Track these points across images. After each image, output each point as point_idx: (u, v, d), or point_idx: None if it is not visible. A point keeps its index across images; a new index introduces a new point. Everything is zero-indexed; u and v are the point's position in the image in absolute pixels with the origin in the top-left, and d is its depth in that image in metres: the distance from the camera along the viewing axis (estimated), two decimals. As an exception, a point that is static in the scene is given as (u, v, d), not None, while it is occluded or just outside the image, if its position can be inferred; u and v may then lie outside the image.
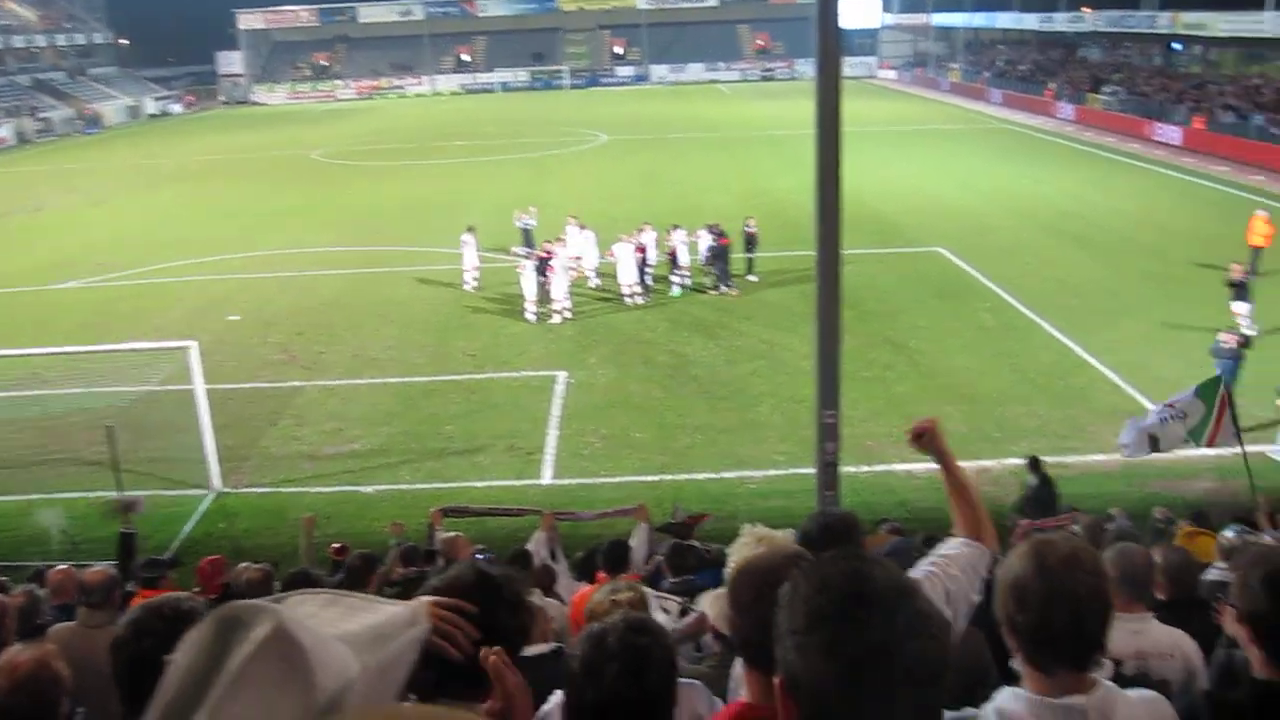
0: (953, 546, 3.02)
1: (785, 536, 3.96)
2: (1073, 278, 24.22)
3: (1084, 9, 66.17)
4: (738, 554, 4.19)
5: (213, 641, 1.16)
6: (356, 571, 7.47)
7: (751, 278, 24.81)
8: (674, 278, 24.24)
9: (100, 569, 6.16)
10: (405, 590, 6.83)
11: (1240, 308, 19.58)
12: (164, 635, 2.61)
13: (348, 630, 1.29)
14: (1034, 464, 12.85)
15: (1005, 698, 2.33)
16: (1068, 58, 70.14)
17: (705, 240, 24.22)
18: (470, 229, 25.50)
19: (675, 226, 24.59)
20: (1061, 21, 68.22)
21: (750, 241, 25.01)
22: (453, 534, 9.17)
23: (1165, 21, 54.53)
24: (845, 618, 1.48)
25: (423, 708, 1.39)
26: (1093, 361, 18.81)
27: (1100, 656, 2.34)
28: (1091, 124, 54.12)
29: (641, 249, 23.76)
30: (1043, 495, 12.42)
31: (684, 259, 24.23)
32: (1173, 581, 5.61)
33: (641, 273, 23.75)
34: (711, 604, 3.61)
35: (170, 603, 2.81)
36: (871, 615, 1.48)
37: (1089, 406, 16.84)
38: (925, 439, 3.41)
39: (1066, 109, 57.98)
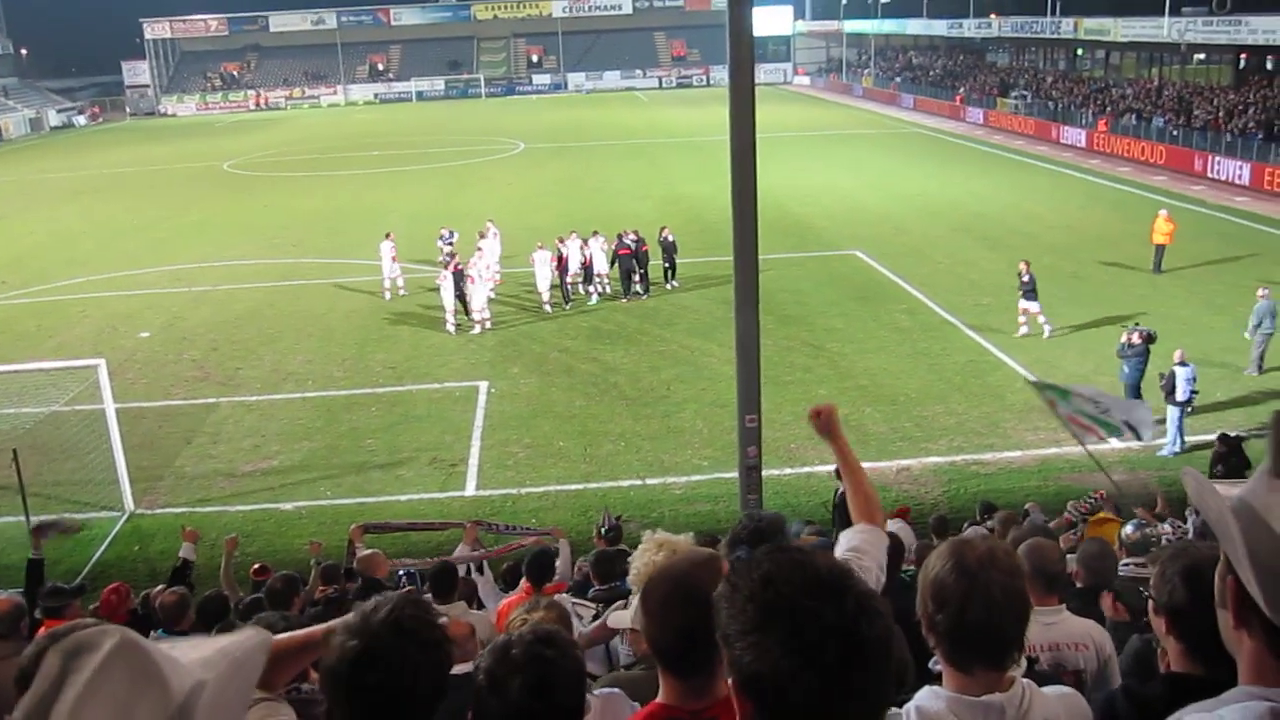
0: (854, 536, 3.07)
1: (686, 541, 3.98)
2: (985, 278, 24.73)
3: (992, 15, 67.81)
4: (639, 560, 4.20)
5: (60, 665, 1.17)
6: (278, 595, 7.31)
7: (672, 284, 24.89)
8: (591, 286, 24.26)
9: (5, 597, 5.95)
10: (327, 611, 6.71)
11: (1030, 305, 20.36)
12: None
13: (194, 656, 1.30)
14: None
15: (924, 696, 2.36)
16: (977, 63, 71.76)
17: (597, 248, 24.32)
18: (388, 235, 25.28)
19: (594, 234, 24.61)
20: (970, 27, 69.82)
21: (668, 249, 25.05)
22: (370, 551, 9.04)
23: (1069, 27, 56.10)
24: (799, 608, 1.50)
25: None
26: (1006, 360, 19.21)
27: (1018, 655, 2.38)
28: (1001, 127, 55.44)
29: (561, 258, 23.76)
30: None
31: (601, 267, 24.26)
32: (1090, 570, 5.78)
33: (564, 281, 23.76)
34: (635, 614, 3.60)
35: (78, 629, 2.72)
36: (823, 601, 1.50)
37: (1004, 404, 17.20)
38: (822, 419, 3.50)
39: (976, 113, 59.30)
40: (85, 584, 9.82)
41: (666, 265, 25.00)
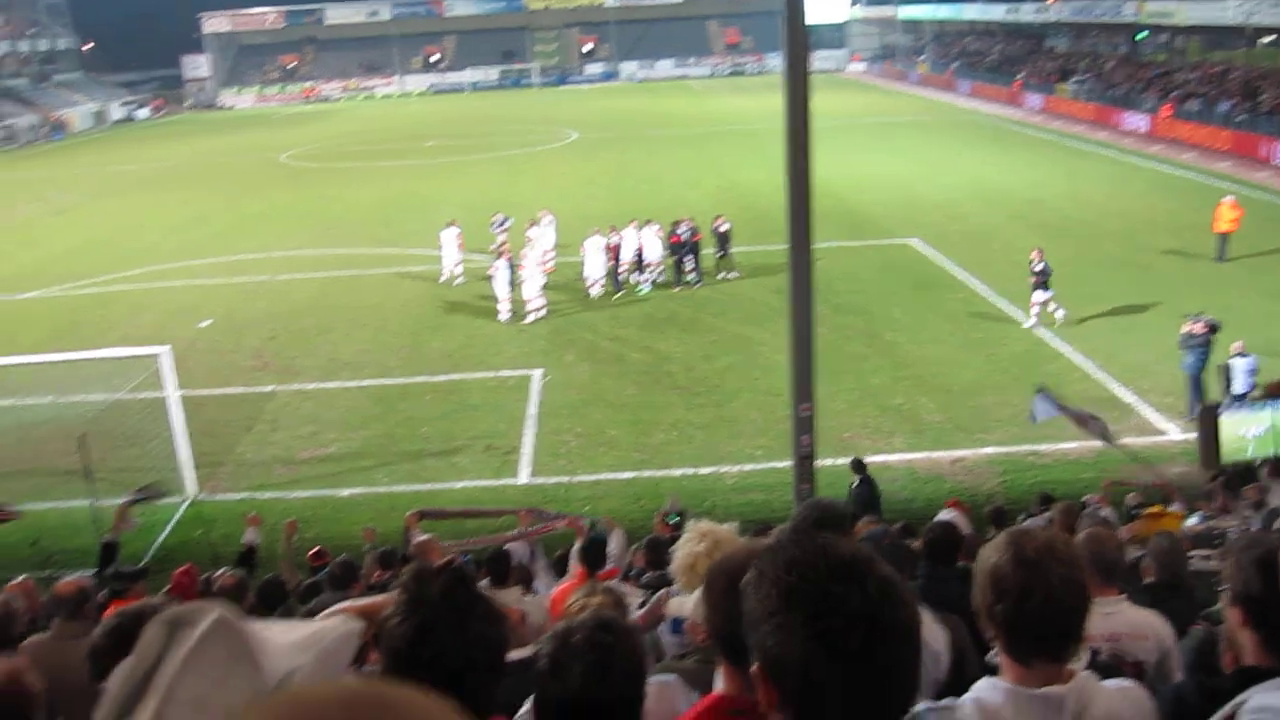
0: None
1: (729, 530, 3.98)
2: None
3: (1049, -1, 66.73)
4: (682, 550, 4.21)
5: (159, 637, 1.19)
6: (338, 579, 7.42)
7: (731, 275, 24.73)
8: (644, 275, 24.24)
9: (72, 580, 6.10)
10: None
11: (1038, 295, 20.11)
12: None
13: (286, 639, 1.32)
14: (857, 465, 12.87)
15: (983, 688, 2.34)
16: (1035, 48, 70.61)
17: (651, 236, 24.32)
18: (451, 223, 25.53)
19: (648, 222, 24.61)
20: (1028, 12, 68.68)
21: (722, 239, 24.87)
22: (425, 537, 9.12)
23: (1131, 10, 54.98)
24: (821, 591, 1.51)
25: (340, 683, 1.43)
26: (1064, 350, 18.95)
27: (1079, 647, 2.36)
28: (1059, 113, 54.55)
29: (613, 247, 23.80)
30: (864, 495, 12.42)
31: (654, 255, 24.25)
32: (1161, 565, 5.69)
33: (616, 270, 23.81)
34: (696, 606, 3.61)
35: (148, 609, 2.79)
36: (845, 585, 1.50)
37: (1062, 395, 16.94)
38: None
39: (1034, 99, 58.39)
40: (149, 567, 10.01)
41: (720, 255, 24.86)
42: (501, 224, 27.16)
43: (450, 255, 25.28)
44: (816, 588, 1.51)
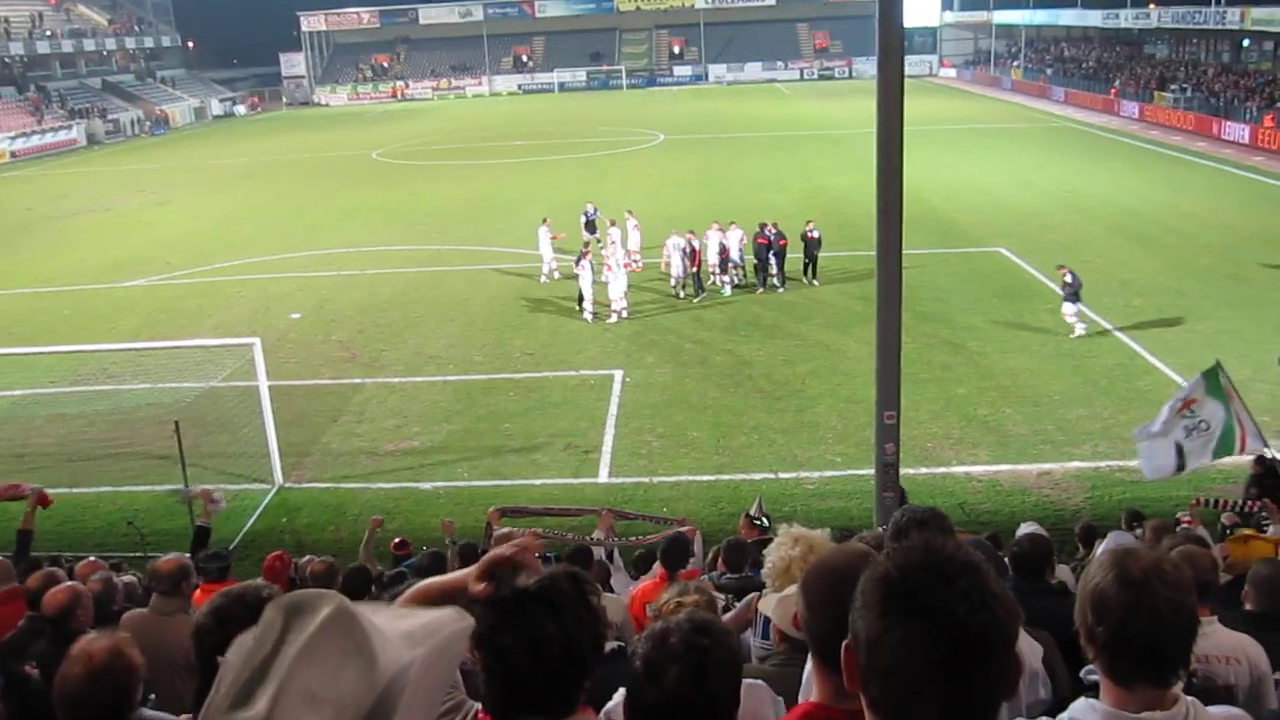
0: None
1: (822, 536, 3.95)
2: (1137, 278, 23.80)
3: (1150, 4, 64.96)
4: (775, 553, 4.19)
5: (279, 623, 1.21)
6: (425, 571, 7.55)
7: (812, 281, 24.49)
8: (726, 277, 24.18)
9: (173, 557, 6.29)
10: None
11: (1066, 308, 20.00)
12: (246, 622, 2.68)
13: (399, 628, 1.33)
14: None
15: (1080, 709, 2.29)
16: (1133, 55, 68.88)
17: (734, 239, 24.20)
18: (545, 220, 25.73)
19: (731, 224, 24.55)
20: (1127, 18, 66.99)
21: (810, 245, 24.41)
22: (506, 530, 9.23)
23: (1234, 17, 53.33)
24: (902, 577, 1.53)
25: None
26: (1158, 364, 18.46)
27: (1184, 672, 2.29)
28: (1157, 122, 53.15)
29: (694, 250, 23.73)
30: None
31: (737, 257, 24.19)
32: (1263, 594, 5.44)
33: (697, 272, 23.80)
34: (776, 606, 3.59)
35: (252, 590, 2.88)
36: (931, 581, 1.51)
37: (1155, 410, 16.50)
38: None
39: (1131, 107, 56.98)
40: (236, 552, 10.29)
41: (807, 261, 24.59)
42: (592, 214, 27.39)
43: (546, 252, 25.47)
44: (914, 585, 1.52)
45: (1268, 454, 11.82)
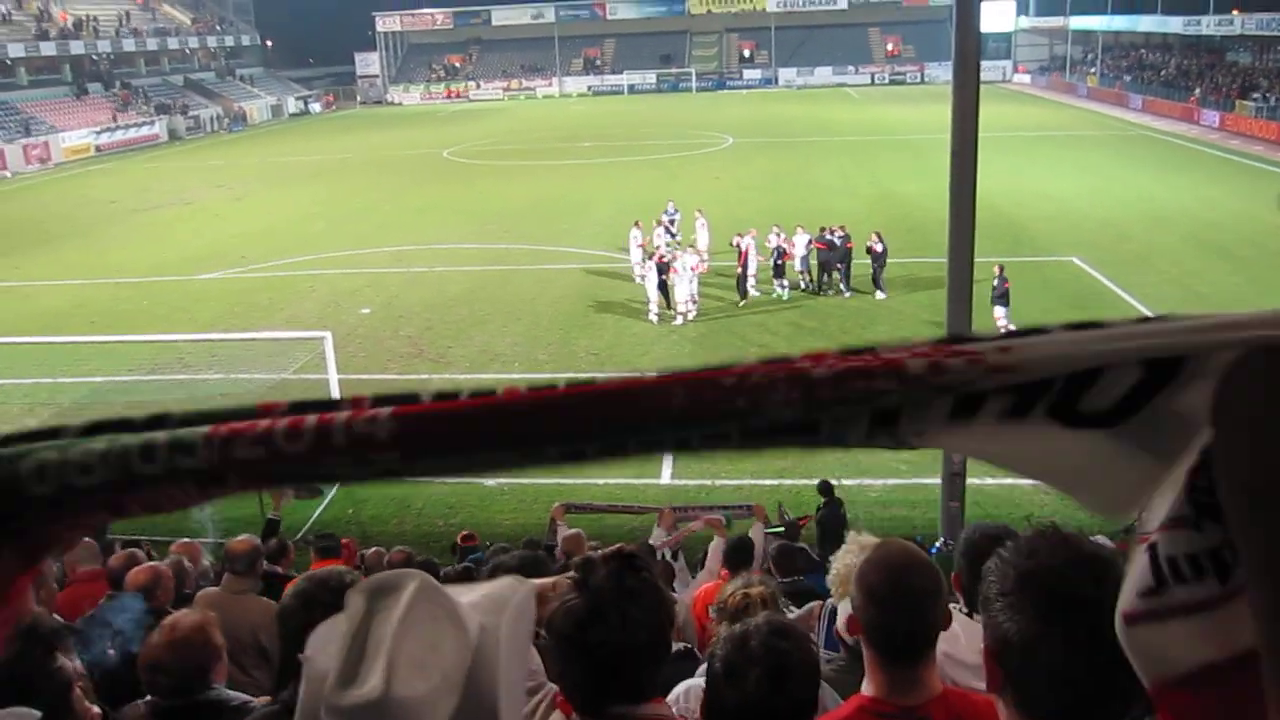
0: None
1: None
2: (1215, 292, 23.27)
3: (1234, 11, 63.43)
4: (842, 561, 4.19)
5: (363, 604, 1.26)
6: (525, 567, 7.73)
7: (879, 295, 23.99)
8: (784, 280, 24.04)
9: (246, 538, 6.46)
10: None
11: (997, 311, 20.21)
12: (330, 606, 2.76)
13: (464, 600, 1.38)
14: (824, 488, 12.30)
15: None
16: (1214, 62, 67.30)
17: (801, 242, 24.06)
18: (636, 223, 25.73)
19: (798, 228, 24.46)
20: (1209, 24, 65.47)
21: (876, 258, 23.88)
22: (574, 531, 9.30)
23: (1323, 25, 51.98)
24: (1056, 576, 1.55)
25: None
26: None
27: None
28: (1239, 131, 51.88)
29: (742, 253, 23.54)
30: (830, 520, 11.81)
31: (799, 263, 24.08)
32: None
33: (743, 276, 23.69)
34: (843, 609, 3.60)
35: (335, 575, 2.96)
36: (1080, 574, 1.54)
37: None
38: None
39: (1211, 115, 55.69)
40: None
41: (873, 270, 24.04)
42: (672, 213, 27.40)
43: (635, 254, 25.28)
44: (1052, 572, 1.55)
45: None
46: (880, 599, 2.33)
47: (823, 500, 12.12)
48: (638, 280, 24.78)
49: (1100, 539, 8.63)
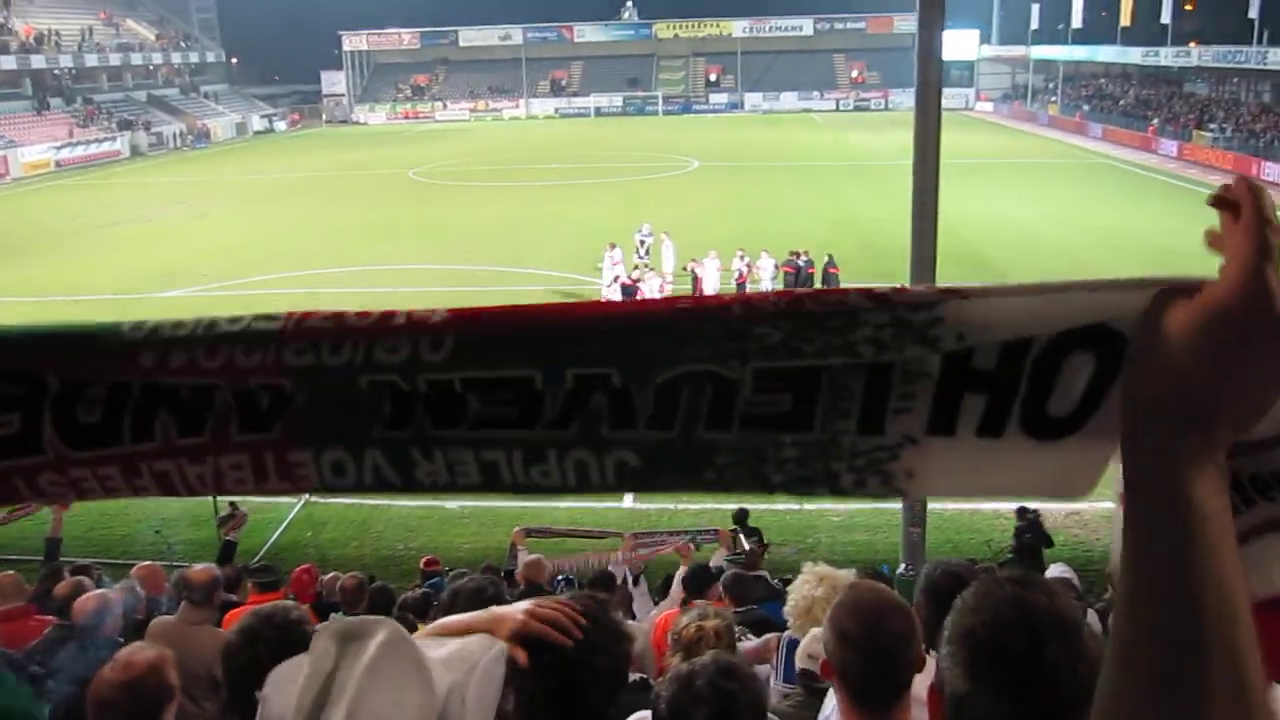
0: None
1: (846, 575, 3.93)
2: (1172, 318, 23.58)
3: (1192, 43, 64.67)
4: (798, 592, 4.17)
5: (337, 649, 1.23)
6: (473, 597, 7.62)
7: None
8: None
9: (205, 567, 6.35)
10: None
11: None
12: (275, 643, 2.72)
13: (434, 655, 1.35)
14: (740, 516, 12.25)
15: None
16: (1172, 93, 68.55)
17: (766, 266, 24.21)
18: (611, 245, 25.66)
19: (764, 252, 24.59)
20: (1167, 56, 66.70)
21: (827, 281, 23.99)
22: (534, 557, 9.24)
23: (1276, 58, 53.02)
24: (991, 642, 1.52)
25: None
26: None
27: None
28: (1196, 161, 52.81)
29: (695, 279, 23.66)
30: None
31: (762, 285, 24.23)
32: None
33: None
34: (803, 642, 3.58)
35: (280, 611, 2.92)
36: (1019, 634, 1.51)
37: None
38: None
39: (1169, 145, 56.66)
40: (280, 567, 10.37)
41: None
42: (646, 234, 27.47)
43: (607, 276, 25.22)
44: (990, 636, 1.53)
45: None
46: (854, 643, 2.31)
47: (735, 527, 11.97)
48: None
49: (1063, 571, 8.61)
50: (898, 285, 1.17)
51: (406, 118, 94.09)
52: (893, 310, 1.13)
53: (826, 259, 24.63)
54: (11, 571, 7.89)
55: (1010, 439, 1.17)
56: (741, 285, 24.03)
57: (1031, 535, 11.93)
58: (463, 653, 1.36)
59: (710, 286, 23.86)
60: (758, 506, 14.82)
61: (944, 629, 1.61)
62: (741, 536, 11.54)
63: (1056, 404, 1.16)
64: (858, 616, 2.34)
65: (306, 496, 15.38)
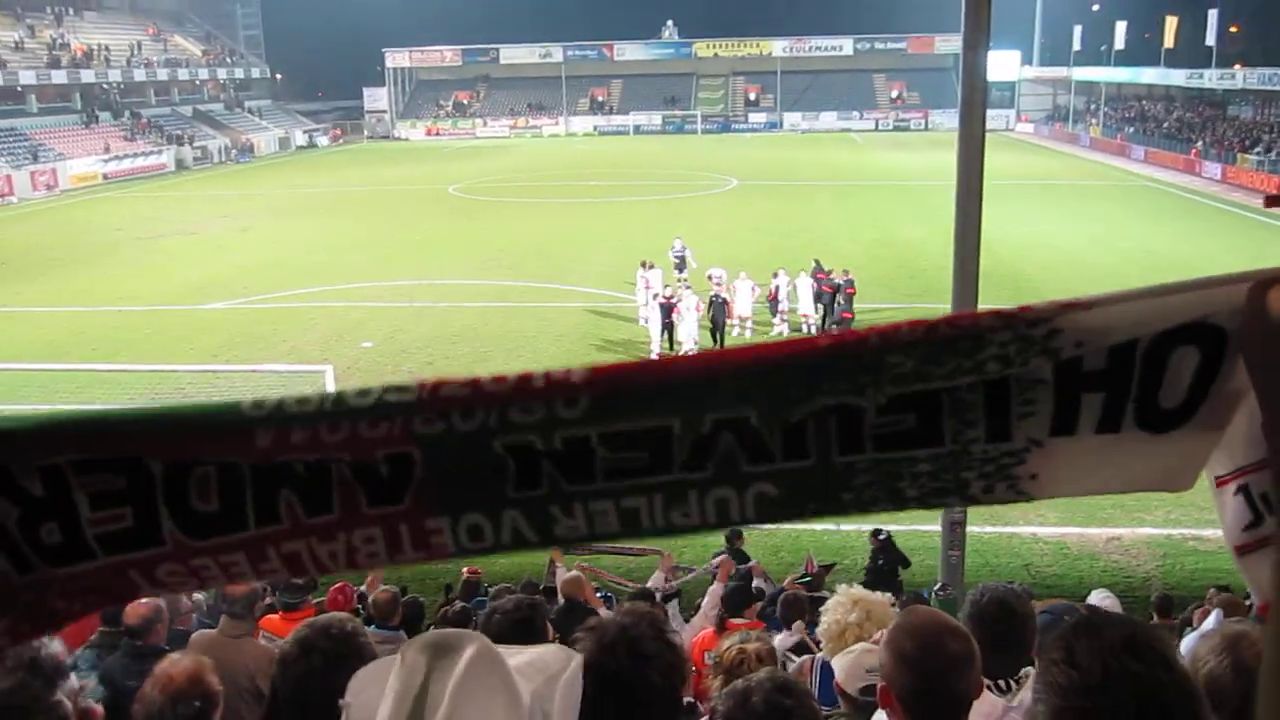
0: None
1: (882, 600, 3.90)
2: (1216, 343, 23.27)
3: (1236, 65, 63.94)
4: (830, 615, 4.15)
5: (423, 663, 1.25)
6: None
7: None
8: (778, 319, 24.12)
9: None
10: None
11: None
12: (330, 654, 2.75)
13: (514, 663, 1.37)
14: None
15: None
16: (1216, 115, 67.80)
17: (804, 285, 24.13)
18: (643, 264, 25.40)
19: (802, 272, 24.52)
20: (1211, 78, 65.99)
21: (833, 290, 24.02)
22: (574, 574, 9.24)
23: (1324, 81, 52.41)
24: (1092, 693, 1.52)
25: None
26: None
27: None
28: (1240, 184, 52.17)
29: (726, 302, 23.41)
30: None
31: (785, 303, 24.15)
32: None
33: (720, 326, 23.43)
34: (842, 662, 3.57)
35: (336, 622, 2.94)
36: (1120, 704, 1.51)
37: (1230, 478, 16.10)
38: None
39: (1213, 168, 56.03)
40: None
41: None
42: (679, 250, 27.43)
43: (641, 295, 24.92)
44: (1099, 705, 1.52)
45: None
46: (914, 665, 2.31)
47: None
48: (642, 323, 24.55)
49: (1106, 598, 8.47)
50: (1021, 305, 1.24)
51: (432, 134, 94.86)
52: (1015, 328, 1.22)
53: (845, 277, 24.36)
54: None
55: (1128, 433, 1.26)
56: (774, 302, 24.00)
57: (885, 559, 11.86)
58: (538, 662, 1.37)
59: (742, 308, 23.73)
60: (796, 528, 14.78)
61: (1038, 671, 1.60)
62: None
63: (1166, 397, 1.25)
64: (918, 639, 2.34)
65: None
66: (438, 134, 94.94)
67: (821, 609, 4.51)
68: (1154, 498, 15.42)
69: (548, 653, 1.40)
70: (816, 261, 25.25)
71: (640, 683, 2.11)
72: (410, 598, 8.91)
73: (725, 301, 23.24)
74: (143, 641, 5.33)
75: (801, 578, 10.00)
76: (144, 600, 5.74)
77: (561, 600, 7.91)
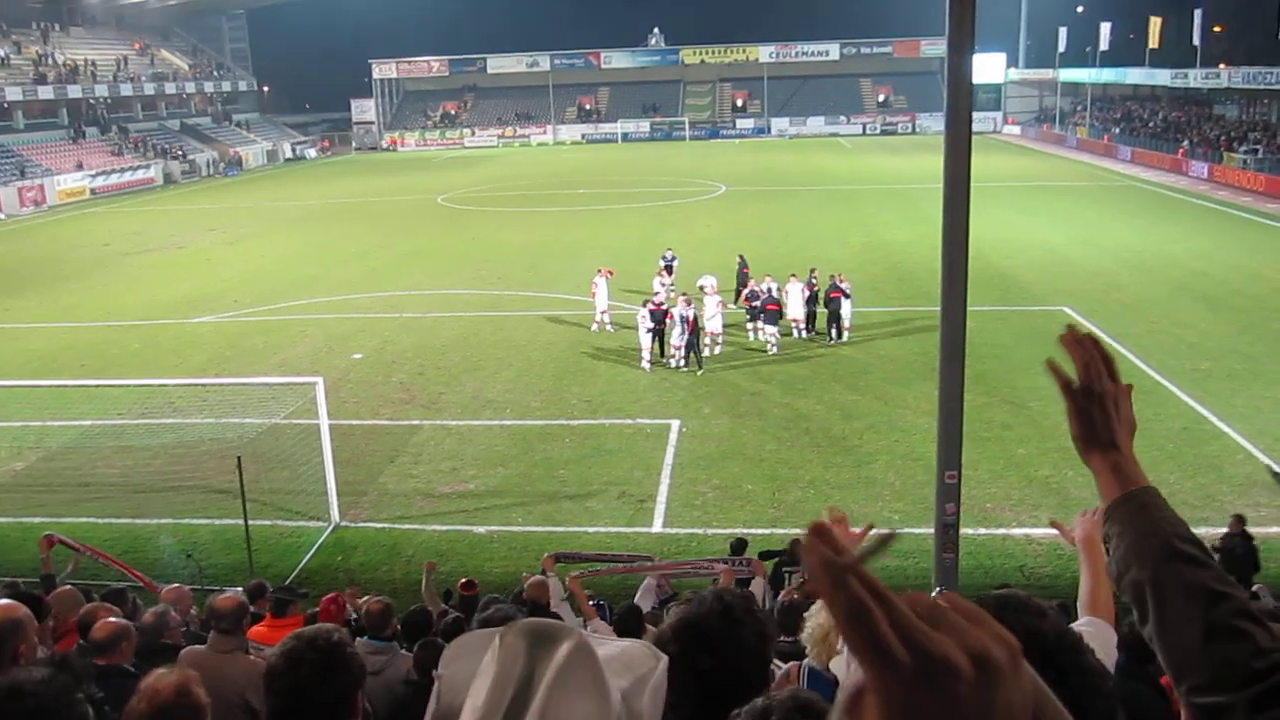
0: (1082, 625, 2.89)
1: None
2: (1205, 341, 23.37)
3: (1221, 65, 64.25)
4: (814, 620, 4.15)
5: (529, 651, 1.24)
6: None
7: (811, 334, 24.48)
8: (774, 328, 24.07)
9: (231, 595, 6.37)
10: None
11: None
12: (318, 665, 2.73)
13: (601, 654, 1.37)
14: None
15: None
16: (1202, 115, 68.12)
17: (795, 291, 24.13)
18: (600, 270, 25.86)
19: (792, 277, 24.54)
20: (1196, 78, 66.28)
21: (826, 305, 24.15)
22: (538, 578, 9.26)
23: (1309, 79, 52.66)
24: None
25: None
26: (1226, 429, 18.06)
27: None
28: (1227, 183, 52.43)
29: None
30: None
31: (795, 312, 24.12)
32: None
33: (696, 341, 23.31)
34: (842, 664, 3.55)
35: (323, 634, 2.92)
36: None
37: (1221, 476, 16.17)
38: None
39: (1200, 167, 56.30)
40: (304, 590, 10.39)
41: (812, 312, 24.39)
42: (670, 259, 27.52)
43: (601, 302, 25.50)
44: None
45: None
46: None
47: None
48: (594, 329, 25.54)
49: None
50: None
51: (432, 145, 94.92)
52: None
53: (830, 279, 24.41)
54: (69, 586, 8.01)
55: None
56: (752, 309, 23.96)
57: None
58: (625, 658, 1.37)
59: (713, 325, 23.26)
60: (787, 531, 14.77)
61: None
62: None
63: None
64: None
65: (335, 520, 15.46)
66: (425, 145, 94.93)
67: (805, 614, 4.50)
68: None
69: (634, 648, 1.40)
70: (813, 271, 25.16)
71: (733, 643, 2.17)
72: (418, 606, 8.88)
73: (689, 320, 22.53)
74: (106, 660, 5.30)
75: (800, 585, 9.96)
76: (108, 620, 5.71)
77: (526, 608, 7.91)
